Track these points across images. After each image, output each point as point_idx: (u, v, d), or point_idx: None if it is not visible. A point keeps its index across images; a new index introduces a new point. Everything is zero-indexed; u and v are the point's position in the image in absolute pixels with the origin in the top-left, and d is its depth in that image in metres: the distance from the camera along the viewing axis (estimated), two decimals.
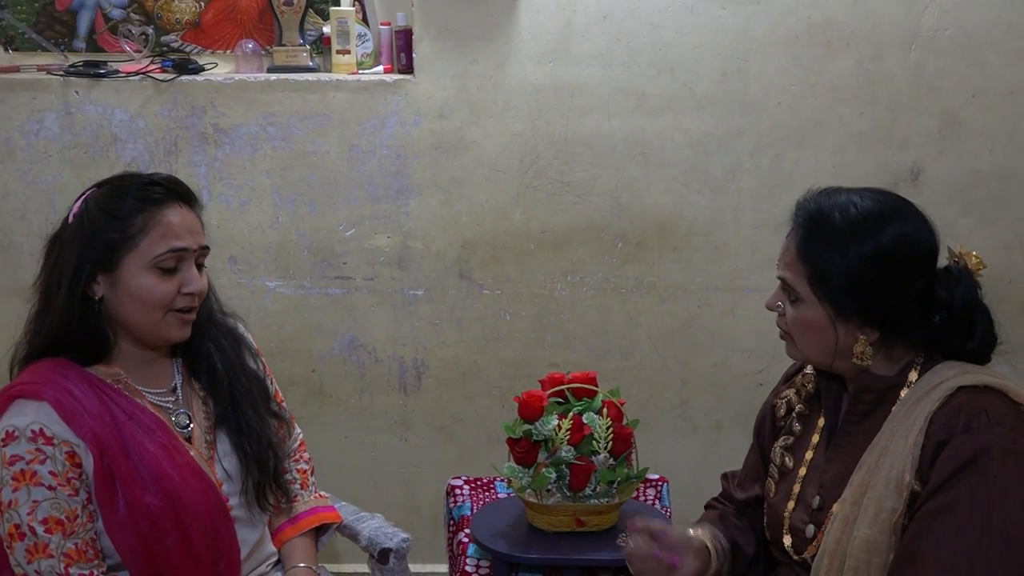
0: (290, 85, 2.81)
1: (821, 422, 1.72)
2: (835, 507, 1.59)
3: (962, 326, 1.57)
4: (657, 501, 2.29)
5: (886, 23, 2.79)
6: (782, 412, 1.81)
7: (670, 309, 2.96)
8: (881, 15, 2.79)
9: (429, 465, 3.02)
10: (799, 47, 2.81)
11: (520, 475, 2.00)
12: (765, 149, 2.87)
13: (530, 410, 2.00)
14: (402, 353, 2.96)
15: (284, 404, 2.03)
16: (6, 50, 2.97)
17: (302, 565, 1.93)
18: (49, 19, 2.93)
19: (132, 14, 2.93)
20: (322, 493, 2.06)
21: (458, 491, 2.29)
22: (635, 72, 2.82)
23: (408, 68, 2.84)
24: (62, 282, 1.71)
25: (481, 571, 2.01)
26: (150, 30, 2.92)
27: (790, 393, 1.81)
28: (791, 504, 1.70)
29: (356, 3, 2.92)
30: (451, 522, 2.26)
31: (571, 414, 1.96)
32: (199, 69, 2.84)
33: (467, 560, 2.04)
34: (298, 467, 2.04)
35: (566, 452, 1.94)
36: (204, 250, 1.78)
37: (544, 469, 1.96)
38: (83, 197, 1.76)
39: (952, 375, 1.54)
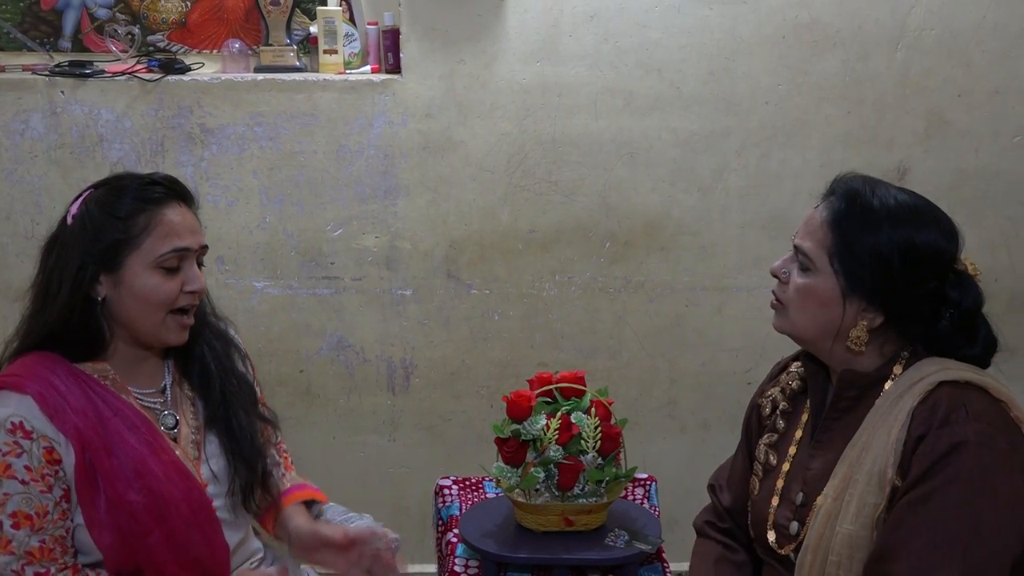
0: (277, 85, 2.80)
1: (805, 418, 1.73)
2: (818, 502, 1.60)
3: (967, 329, 1.59)
4: (645, 500, 2.29)
5: (872, 23, 2.80)
6: (767, 411, 1.81)
7: (658, 308, 2.96)
8: (867, 15, 2.80)
9: (417, 465, 3.01)
10: (785, 47, 2.81)
11: (508, 475, 2.00)
12: (752, 149, 2.87)
13: (518, 410, 1.99)
14: (390, 353, 2.96)
15: (267, 407, 2.03)
16: None
17: (304, 521, 1.92)
18: (34, 19, 2.92)
19: (118, 14, 2.92)
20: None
21: (446, 491, 2.29)
22: (622, 72, 2.82)
23: (395, 68, 2.84)
24: (63, 283, 1.70)
25: (470, 571, 2.01)
26: (136, 30, 2.91)
27: (775, 391, 1.82)
28: (775, 501, 1.70)
29: (343, 3, 2.91)
30: (439, 522, 2.26)
31: (559, 414, 1.96)
32: (185, 69, 2.83)
33: (456, 560, 2.03)
34: (281, 454, 2.05)
35: (554, 452, 1.94)
36: (204, 249, 1.79)
37: (532, 469, 1.96)
38: (82, 198, 1.75)
39: (934, 370, 1.55)
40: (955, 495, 1.45)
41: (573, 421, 1.97)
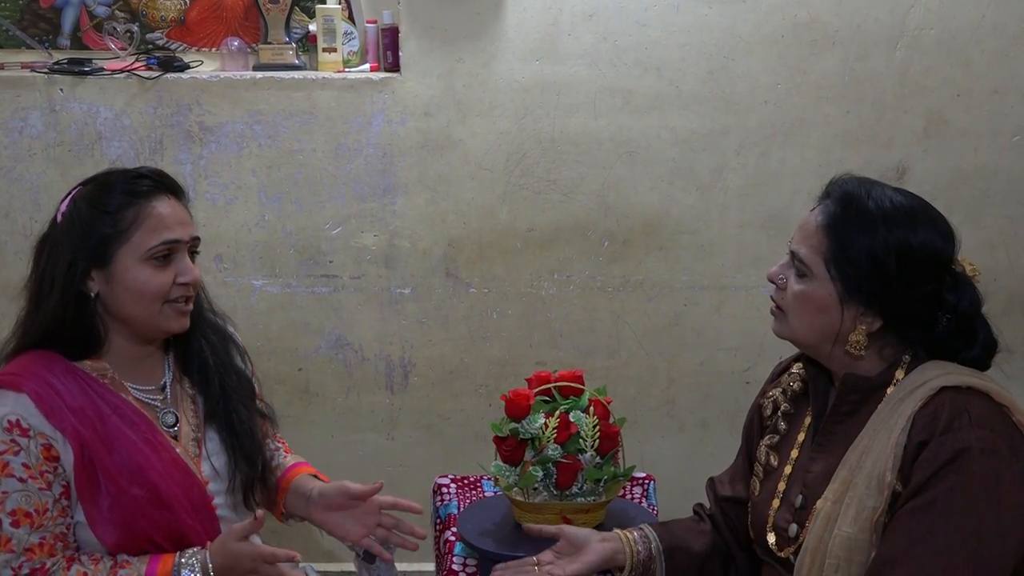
0: (276, 83, 2.80)
1: (807, 420, 1.73)
2: (818, 505, 1.59)
3: (966, 332, 1.58)
4: (644, 499, 2.29)
5: (871, 22, 2.80)
6: (768, 411, 1.81)
7: (656, 308, 2.96)
8: (866, 14, 2.80)
9: (416, 464, 3.01)
10: (785, 46, 2.81)
11: (507, 473, 2.00)
12: (751, 148, 2.87)
13: (517, 408, 1.99)
14: (389, 352, 2.96)
15: (265, 404, 2.04)
16: None
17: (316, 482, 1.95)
18: (33, 16, 2.91)
19: (117, 11, 2.92)
20: None
21: (445, 490, 2.29)
22: (621, 71, 2.82)
23: (394, 66, 2.84)
24: (55, 280, 1.70)
25: (468, 570, 2.01)
26: (135, 27, 2.91)
27: (776, 392, 1.81)
28: (775, 503, 1.70)
29: (342, 1, 2.91)
30: (438, 521, 2.26)
31: (558, 412, 1.96)
32: (184, 67, 2.83)
33: (454, 559, 2.03)
34: (278, 442, 2.07)
35: (553, 451, 1.94)
36: (196, 241, 1.79)
37: (531, 468, 1.96)
38: (70, 195, 1.76)
39: (936, 375, 1.55)
40: (958, 502, 1.45)
41: (571, 420, 1.97)
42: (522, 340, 2.97)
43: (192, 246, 1.79)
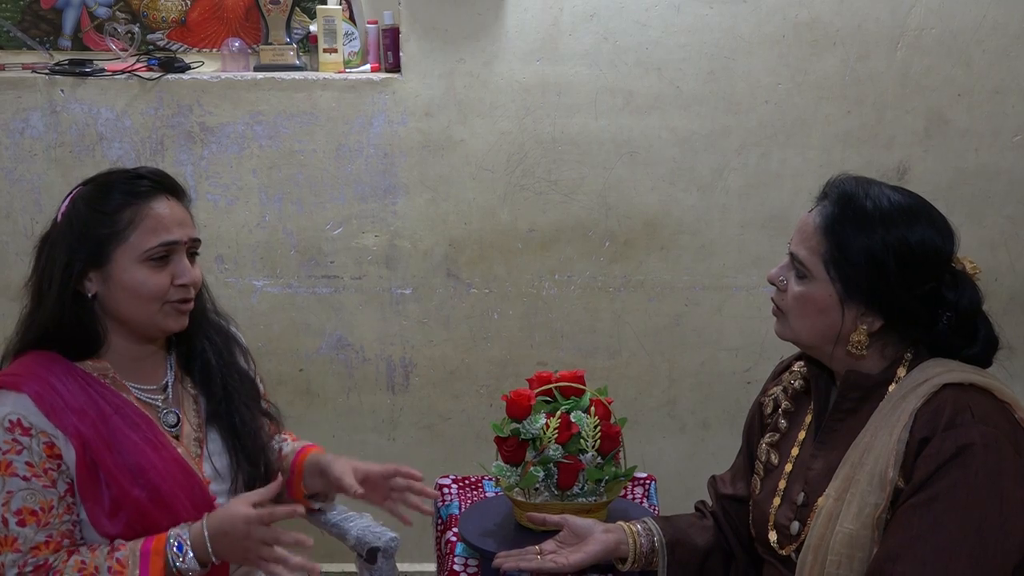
0: (277, 84, 2.80)
1: (808, 419, 1.73)
2: (819, 502, 1.59)
3: (967, 329, 1.58)
4: (645, 499, 2.29)
5: (872, 22, 2.80)
6: (769, 409, 1.81)
7: (657, 308, 2.96)
8: (867, 14, 2.80)
9: (417, 464, 2.97)
10: (785, 46, 2.81)
11: (508, 474, 1.99)
12: (752, 148, 2.87)
13: (518, 409, 1.99)
14: (390, 352, 2.96)
15: (271, 404, 2.04)
16: None
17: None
18: (34, 17, 2.92)
19: (118, 12, 2.92)
20: None
21: (446, 490, 2.29)
22: (622, 71, 2.82)
23: (395, 67, 2.84)
24: (53, 281, 1.70)
25: (469, 570, 2.00)
26: (136, 28, 2.91)
27: (777, 390, 1.82)
28: (776, 500, 1.70)
29: (343, 1, 2.91)
30: (439, 521, 2.25)
31: (559, 413, 1.96)
32: (185, 68, 2.83)
33: (455, 559, 2.03)
34: (285, 435, 2.08)
35: (554, 451, 1.94)
36: (195, 242, 1.78)
37: (532, 468, 1.96)
38: (70, 196, 1.76)
39: (938, 372, 1.55)
40: (960, 498, 1.45)
41: (572, 420, 1.97)
42: (523, 340, 2.97)
43: (191, 247, 1.78)
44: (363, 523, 2.12)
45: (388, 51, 2.86)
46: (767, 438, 1.78)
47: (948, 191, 2.86)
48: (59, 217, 1.74)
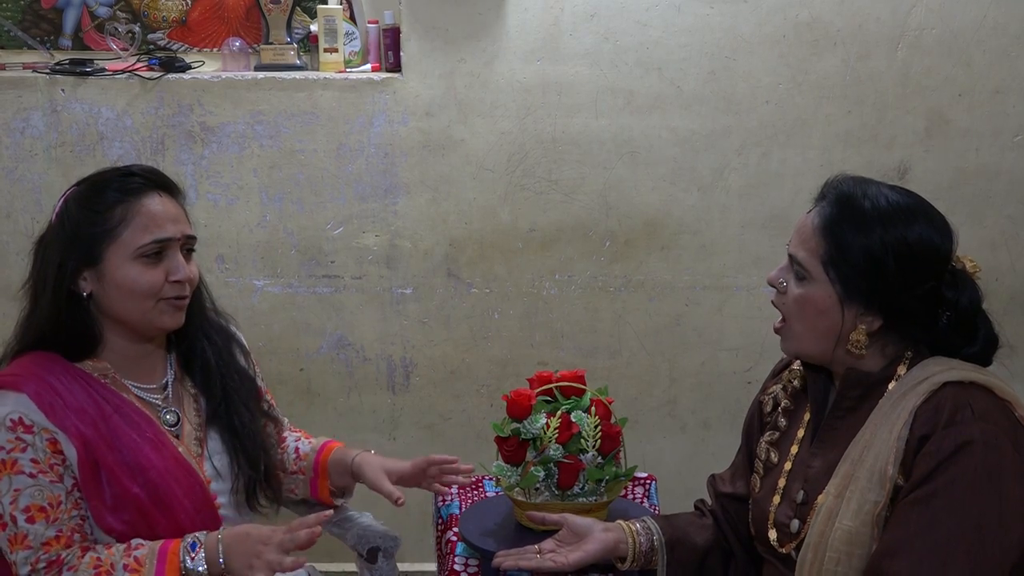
0: (277, 83, 2.80)
1: (807, 417, 1.73)
2: (819, 500, 1.60)
3: (966, 328, 1.58)
4: (645, 499, 2.29)
5: (872, 22, 2.80)
6: (768, 408, 1.82)
7: (658, 307, 2.96)
8: (867, 14, 2.80)
9: None
10: (786, 46, 2.81)
11: (508, 474, 1.99)
12: (752, 148, 2.87)
13: (518, 409, 1.99)
14: (390, 352, 2.96)
15: (275, 404, 2.04)
16: None
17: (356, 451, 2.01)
18: (35, 17, 2.92)
19: (118, 12, 2.92)
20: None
21: (446, 489, 2.29)
22: (623, 71, 2.82)
23: (396, 66, 2.84)
24: (47, 281, 1.71)
25: (469, 570, 2.01)
26: (136, 28, 2.91)
27: (776, 388, 1.82)
28: (776, 499, 1.70)
29: (343, 1, 2.91)
30: (439, 521, 2.25)
31: (559, 413, 1.96)
32: (186, 67, 2.83)
33: (455, 559, 2.03)
34: (295, 431, 2.09)
35: (554, 451, 1.94)
36: (190, 239, 1.78)
37: (532, 468, 1.96)
38: (64, 196, 1.76)
39: (939, 371, 1.55)
40: (959, 495, 1.45)
41: (573, 420, 1.97)
42: (523, 340, 2.97)
43: (186, 244, 1.77)
44: (364, 522, 2.13)
45: (389, 51, 2.86)
46: (767, 436, 1.78)
47: (949, 191, 2.86)
48: (54, 218, 1.75)
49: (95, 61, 2.83)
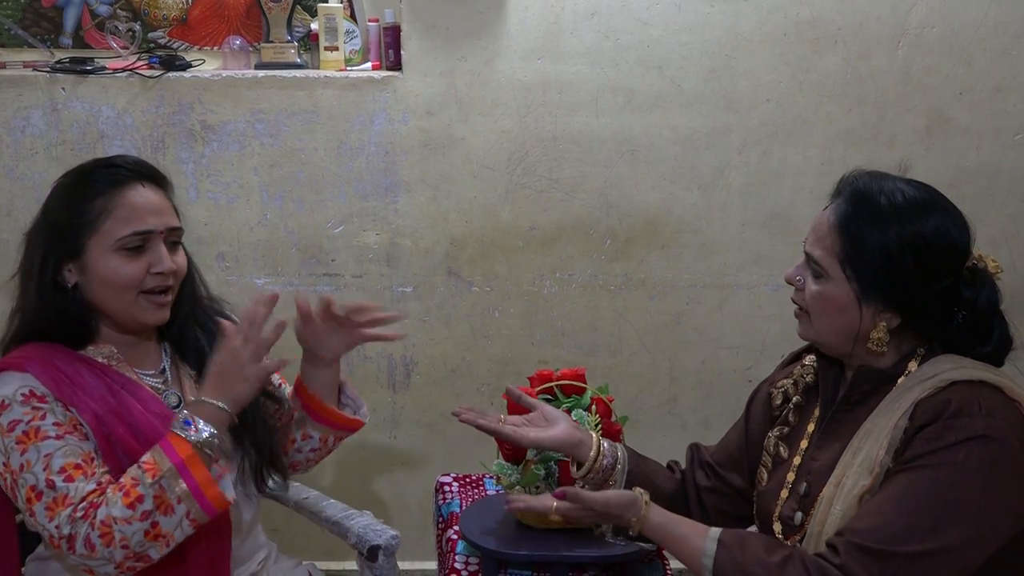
0: (278, 82, 2.80)
1: (817, 412, 1.72)
2: (823, 492, 1.60)
3: (982, 328, 1.58)
4: None
5: (873, 20, 2.80)
6: (778, 401, 1.80)
7: (658, 306, 2.96)
8: (868, 12, 2.80)
9: (418, 462, 3.02)
10: (787, 44, 2.81)
11: (509, 472, 1.99)
12: (753, 146, 2.87)
13: (519, 407, 1.99)
14: (391, 350, 2.96)
15: (284, 382, 2.03)
16: None
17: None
18: (35, 15, 2.92)
19: (119, 10, 2.92)
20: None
21: (447, 488, 2.29)
22: (623, 69, 2.82)
23: (396, 65, 2.84)
24: (33, 273, 1.71)
25: (470, 568, 2.01)
26: (137, 26, 2.91)
27: (787, 383, 1.81)
28: (784, 493, 1.70)
29: (344, 0, 2.92)
30: (440, 519, 2.26)
31: (560, 411, 1.96)
32: (186, 66, 2.83)
33: (456, 557, 2.03)
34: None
35: None
36: (173, 231, 1.76)
37: (533, 466, 1.96)
38: (51, 190, 1.77)
39: (948, 368, 1.55)
40: (945, 474, 1.44)
41: (574, 418, 1.97)
42: (524, 338, 2.97)
43: (170, 236, 1.75)
44: (364, 521, 2.13)
45: (389, 49, 2.86)
46: (776, 431, 1.78)
47: (949, 189, 2.82)
48: (39, 210, 1.76)
49: (95, 60, 2.83)
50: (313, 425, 1.97)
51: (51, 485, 1.58)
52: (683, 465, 1.95)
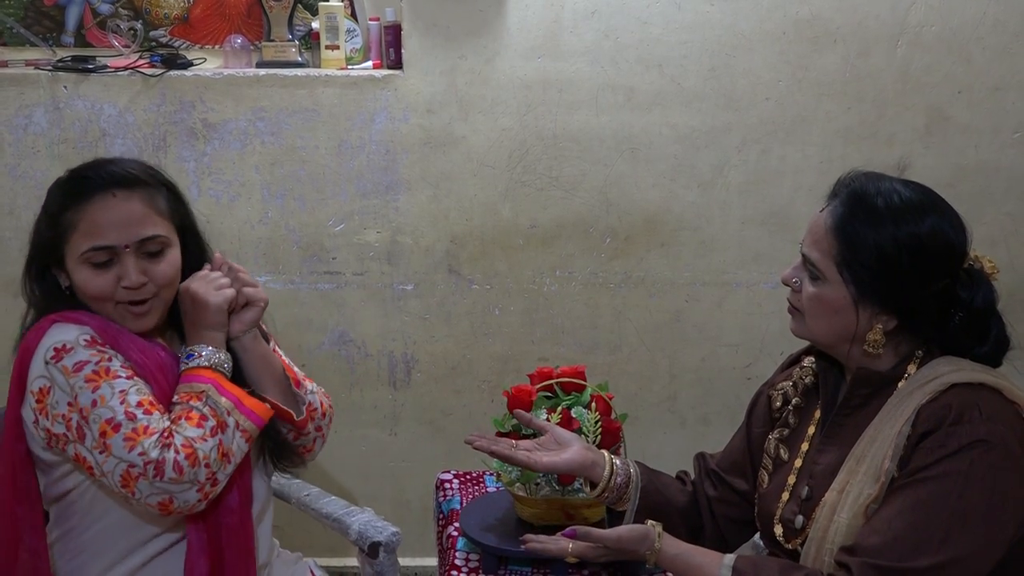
0: (279, 80, 2.81)
1: (817, 414, 1.73)
2: (825, 496, 1.60)
3: (978, 328, 1.58)
4: None
5: (872, 19, 2.81)
6: (778, 403, 1.80)
7: (658, 304, 2.97)
8: (867, 11, 2.80)
9: (418, 459, 3.02)
10: (786, 43, 2.82)
11: (509, 469, 2.00)
12: (752, 144, 2.88)
13: (519, 404, 2.00)
14: (391, 348, 2.97)
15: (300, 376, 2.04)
16: None
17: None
18: (37, 14, 2.92)
19: (120, 9, 2.93)
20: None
21: (447, 485, 2.30)
22: (623, 68, 2.82)
23: (397, 63, 2.85)
24: (32, 275, 1.76)
25: (470, 564, 2.01)
26: (139, 25, 2.92)
27: (787, 385, 1.81)
28: (785, 496, 1.70)
29: None
30: (440, 516, 2.26)
31: (560, 408, 1.97)
32: (188, 64, 2.84)
33: (456, 553, 2.04)
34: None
35: None
36: (148, 241, 1.71)
37: None
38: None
39: (947, 371, 1.55)
40: (952, 486, 1.45)
41: (573, 416, 1.98)
42: (524, 336, 2.98)
43: (145, 247, 1.71)
44: (365, 518, 2.14)
45: (390, 48, 2.87)
46: (776, 433, 1.78)
47: (948, 188, 2.84)
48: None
49: (97, 58, 2.84)
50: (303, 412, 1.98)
51: (131, 417, 1.60)
52: (692, 475, 1.94)
